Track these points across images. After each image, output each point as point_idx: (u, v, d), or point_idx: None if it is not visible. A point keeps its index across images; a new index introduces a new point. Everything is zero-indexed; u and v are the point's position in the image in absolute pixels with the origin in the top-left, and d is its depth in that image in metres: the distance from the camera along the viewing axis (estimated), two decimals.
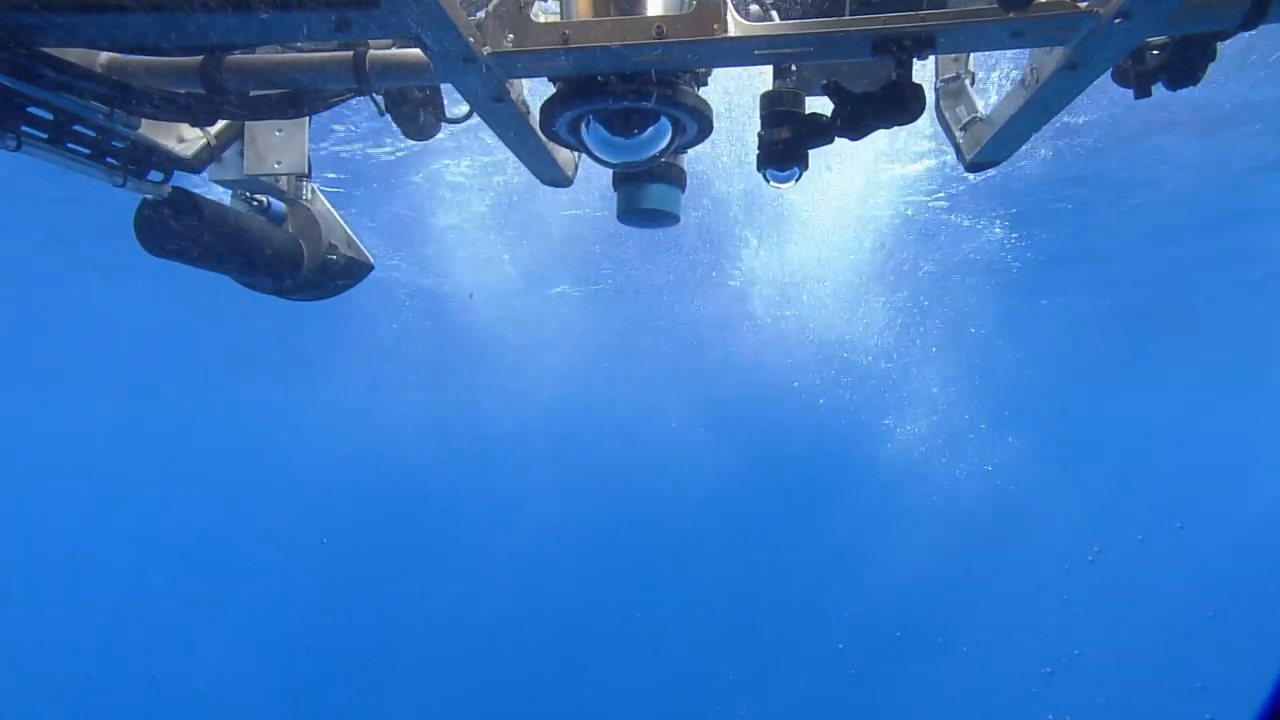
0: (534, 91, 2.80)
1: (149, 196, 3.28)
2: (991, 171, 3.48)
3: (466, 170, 12.75)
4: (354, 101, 3.06)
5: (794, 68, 2.99)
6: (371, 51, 2.68)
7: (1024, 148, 3.24)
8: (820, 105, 2.85)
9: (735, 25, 2.30)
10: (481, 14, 2.34)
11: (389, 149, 11.89)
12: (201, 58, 2.65)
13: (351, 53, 2.66)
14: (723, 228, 15.16)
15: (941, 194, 13.90)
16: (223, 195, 3.73)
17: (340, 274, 3.98)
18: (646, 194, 3.29)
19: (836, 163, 11.40)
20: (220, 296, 7.56)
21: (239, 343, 25.13)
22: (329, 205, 3.98)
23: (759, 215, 14.61)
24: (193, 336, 24.53)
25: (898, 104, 2.52)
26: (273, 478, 35.99)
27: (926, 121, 2.87)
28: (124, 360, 26.56)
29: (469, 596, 30.28)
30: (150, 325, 22.99)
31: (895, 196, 13.67)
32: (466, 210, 14.43)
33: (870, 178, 12.63)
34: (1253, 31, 2.34)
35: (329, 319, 18.71)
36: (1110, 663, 23.02)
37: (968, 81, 3.37)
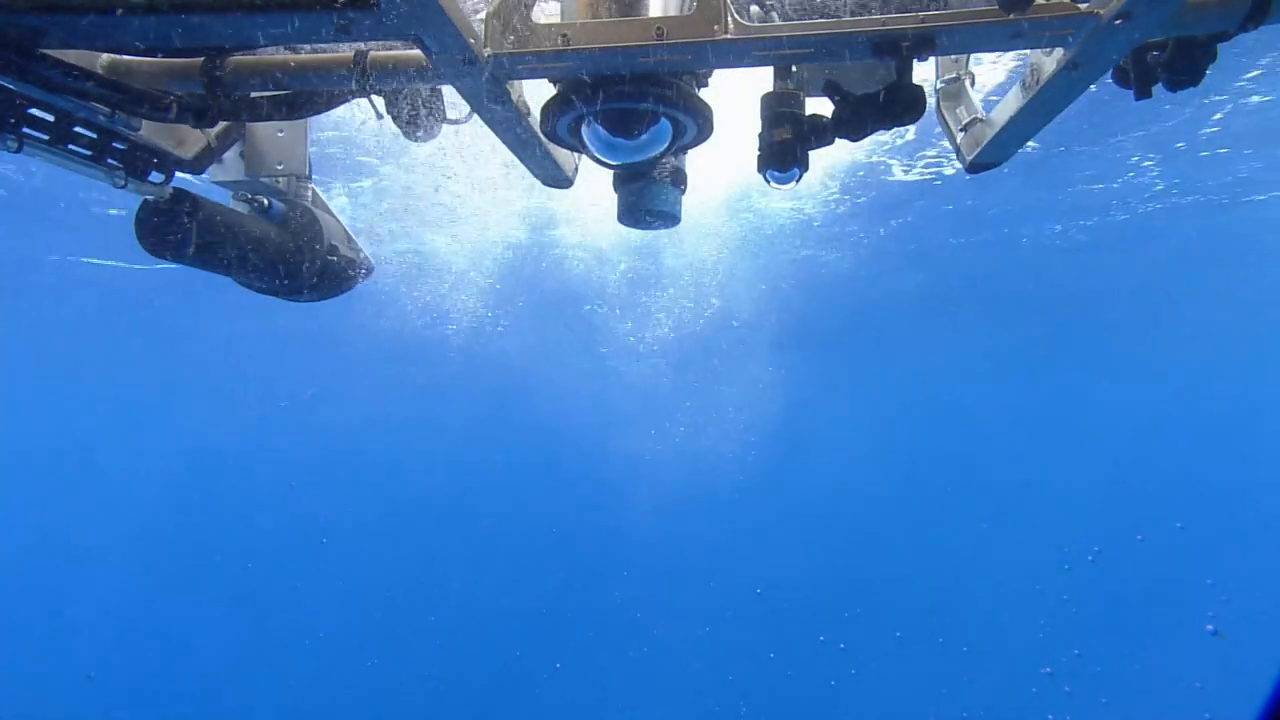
0: (533, 92, 2.80)
1: (150, 197, 3.28)
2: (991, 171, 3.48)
3: None
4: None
5: (794, 68, 2.98)
6: (372, 52, 2.68)
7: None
8: (820, 106, 2.85)
9: (735, 26, 2.30)
10: (482, 15, 2.34)
11: None
12: (201, 58, 2.65)
13: (351, 53, 2.66)
14: None
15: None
16: (223, 196, 3.73)
17: (340, 275, 3.98)
18: (647, 195, 3.29)
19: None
20: None
21: None
22: (329, 206, 3.98)
23: None
24: None
25: (898, 105, 2.53)
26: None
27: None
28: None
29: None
30: None
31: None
32: None
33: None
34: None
35: None
36: (1110, 663, 23.01)
37: (968, 82, 3.37)
